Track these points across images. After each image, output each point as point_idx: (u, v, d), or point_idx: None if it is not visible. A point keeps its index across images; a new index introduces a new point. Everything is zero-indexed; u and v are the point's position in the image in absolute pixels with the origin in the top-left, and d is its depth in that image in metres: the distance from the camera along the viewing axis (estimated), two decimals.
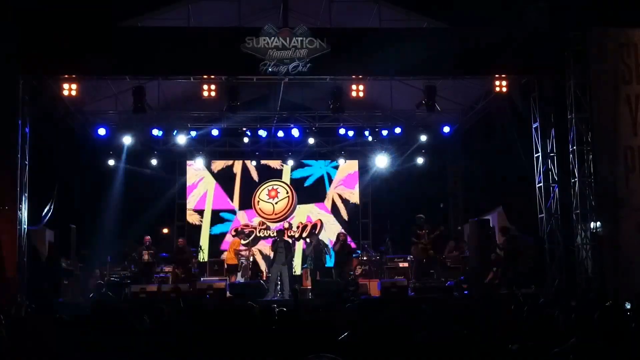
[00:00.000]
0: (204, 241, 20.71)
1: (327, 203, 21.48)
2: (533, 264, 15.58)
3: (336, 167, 21.59)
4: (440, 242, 17.34)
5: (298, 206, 21.27)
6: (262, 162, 21.06)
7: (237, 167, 21.33)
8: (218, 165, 21.30)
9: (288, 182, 21.41)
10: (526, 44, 14.49)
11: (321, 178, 21.63)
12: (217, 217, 21.13)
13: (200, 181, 21.23)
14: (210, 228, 21.06)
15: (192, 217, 21.10)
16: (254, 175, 21.30)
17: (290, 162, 20.86)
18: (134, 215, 19.30)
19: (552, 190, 15.19)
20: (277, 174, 21.40)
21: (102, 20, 14.12)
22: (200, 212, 21.11)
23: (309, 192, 21.51)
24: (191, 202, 21.12)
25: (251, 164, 21.16)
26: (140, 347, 4.73)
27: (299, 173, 21.54)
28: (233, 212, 21.13)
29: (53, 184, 15.65)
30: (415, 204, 19.14)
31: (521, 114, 15.82)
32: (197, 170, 21.10)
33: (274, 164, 21.26)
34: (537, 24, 14.63)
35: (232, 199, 21.21)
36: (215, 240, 20.84)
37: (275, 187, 21.37)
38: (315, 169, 21.57)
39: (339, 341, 5.03)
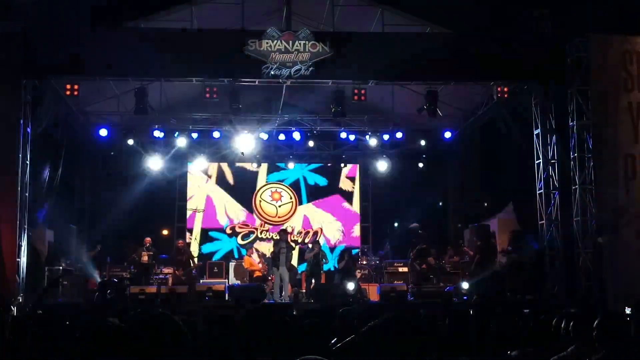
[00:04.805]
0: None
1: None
2: (534, 270, 15.55)
3: (314, 171, 21.46)
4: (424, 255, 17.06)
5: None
6: (237, 164, 20.78)
7: (212, 169, 21.14)
8: (214, 167, 21.21)
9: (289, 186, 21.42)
10: (528, 50, 14.50)
11: (297, 181, 21.47)
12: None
13: (200, 183, 21.23)
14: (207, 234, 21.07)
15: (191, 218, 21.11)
16: (229, 178, 21.14)
17: (264, 165, 20.80)
18: (134, 217, 19.27)
19: (552, 197, 15.19)
20: (252, 176, 21.16)
21: (105, 21, 14.12)
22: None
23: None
24: (191, 204, 21.10)
25: (227, 167, 21.00)
26: None
27: (275, 177, 21.44)
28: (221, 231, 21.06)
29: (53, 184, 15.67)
30: (415, 208, 19.13)
31: (522, 120, 15.82)
32: (197, 173, 21.10)
33: (249, 166, 20.92)
34: (539, 30, 14.64)
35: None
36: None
37: (278, 190, 21.34)
38: (291, 172, 21.29)
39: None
